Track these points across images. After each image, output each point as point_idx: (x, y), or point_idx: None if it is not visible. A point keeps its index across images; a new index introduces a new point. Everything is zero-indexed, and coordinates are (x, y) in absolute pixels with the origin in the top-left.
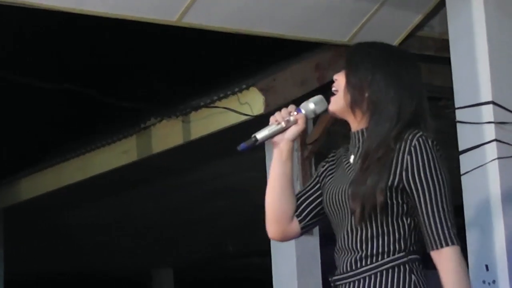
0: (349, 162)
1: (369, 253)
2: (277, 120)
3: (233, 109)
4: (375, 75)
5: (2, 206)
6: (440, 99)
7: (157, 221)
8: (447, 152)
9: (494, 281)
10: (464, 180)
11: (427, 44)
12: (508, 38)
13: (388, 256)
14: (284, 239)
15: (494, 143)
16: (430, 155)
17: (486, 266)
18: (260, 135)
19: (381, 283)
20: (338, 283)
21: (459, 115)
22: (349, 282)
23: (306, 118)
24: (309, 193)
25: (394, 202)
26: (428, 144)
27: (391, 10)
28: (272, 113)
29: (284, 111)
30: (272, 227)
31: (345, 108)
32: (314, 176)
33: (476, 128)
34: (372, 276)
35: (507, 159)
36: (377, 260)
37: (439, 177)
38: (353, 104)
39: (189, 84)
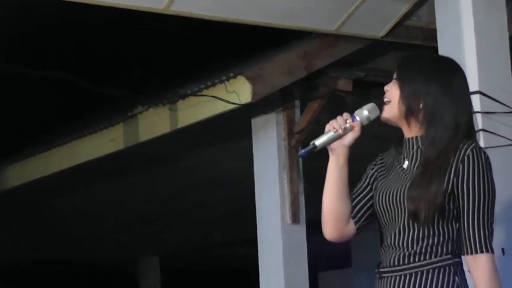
0: (402, 167)
1: (417, 251)
2: (334, 128)
3: (221, 98)
4: (430, 86)
5: None
6: None
7: (143, 209)
8: None
9: None
10: None
11: (414, 33)
12: (495, 28)
13: (436, 257)
14: (341, 240)
15: (481, 133)
16: (481, 166)
17: None
18: (319, 141)
19: (426, 280)
20: (384, 275)
21: None
22: (395, 276)
23: (361, 125)
24: (362, 195)
25: (447, 207)
26: (481, 156)
27: None
28: (259, 102)
29: (340, 119)
30: (330, 229)
31: (399, 117)
32: (364, 178)
33: None
34: (419, 273)
35: (494, 148)
36: (424, 259)
37: (486, 187)
38: (409, 114)
39: (177, 73)
